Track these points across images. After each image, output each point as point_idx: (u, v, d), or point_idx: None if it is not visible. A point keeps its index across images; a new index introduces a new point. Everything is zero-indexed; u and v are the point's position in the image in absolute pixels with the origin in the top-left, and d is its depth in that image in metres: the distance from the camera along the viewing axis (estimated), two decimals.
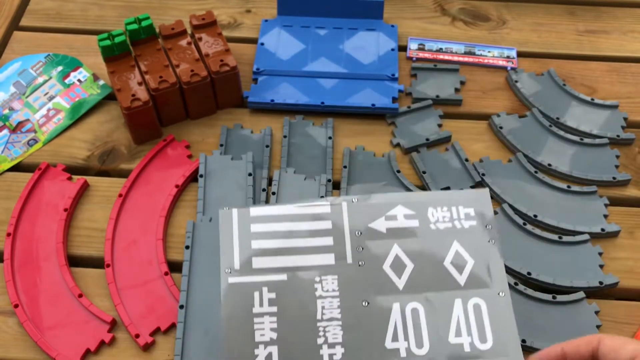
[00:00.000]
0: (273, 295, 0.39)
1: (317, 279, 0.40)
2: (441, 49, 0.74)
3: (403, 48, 0.74)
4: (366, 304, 0.40)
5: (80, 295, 0.54)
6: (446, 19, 0.78)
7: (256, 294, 0.39)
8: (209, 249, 0.56)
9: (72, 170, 0.63)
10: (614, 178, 0.62)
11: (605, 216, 0.60)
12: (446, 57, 0.73)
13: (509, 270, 0.56)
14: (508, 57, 0.73)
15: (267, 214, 0.41)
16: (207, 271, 0.54)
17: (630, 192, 0.62)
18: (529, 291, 0.54)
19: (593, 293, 0.55)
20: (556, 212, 0.59)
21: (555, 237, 0.57)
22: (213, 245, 0.56)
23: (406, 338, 0.39)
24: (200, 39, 0.66)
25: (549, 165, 0.63)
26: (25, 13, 0.78)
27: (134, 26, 0.64)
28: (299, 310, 0.39)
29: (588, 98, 0.69)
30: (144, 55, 0.64)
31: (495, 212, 0.59)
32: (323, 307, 0.39)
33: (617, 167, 0.63)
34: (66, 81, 0.70)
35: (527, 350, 0.51)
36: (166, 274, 0.55)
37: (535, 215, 0.59)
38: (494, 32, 0.76)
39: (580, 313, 0.53)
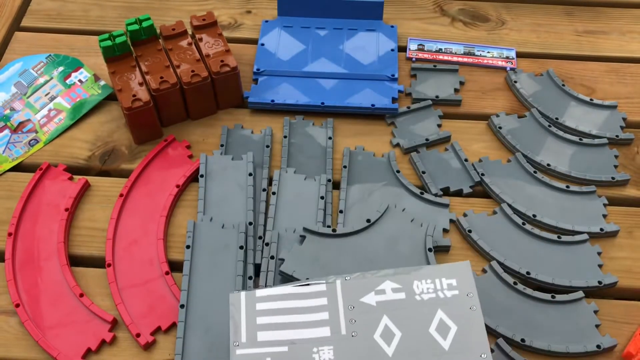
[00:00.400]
0: None
1: (315, 349, 0.44)
2: (441, 49, 0.74)
3: (403, 48, 0.74)
4: None
5: (81, 295, 0.54)
6: (445, 20, 0.78)
7: None
8: (209, 249, 0.56)
9: (73, 170, 0.64)
10: (612, 178, 0.62)
11: (604, 216, 0.60)
12: (445, 58, 0.73)
13: (508, 270, 0.56)
14: (507, 57, 0.73)
15: (270, 294, 0.46)
16: (208, 271, 0.55)
17: (629, 192, 0.62)
18: (528, 290, 0.54)
19: (592, 292, 0.55)
20: (555, 212, 0.60)
21: (554, 236, 0.58)
22: (214, 245, 0.56)
23: None
24: (200, 39, 0.66)
25: (548, 165, 0.63)
26: (27, 13, 0.78)
27: (135, 27, 0.64)
28: None
29: (587, 98, 0.69)
30: (145, 56, 0.65)
31: (495, 212, 0.60)
32: None
33: (616, 167, 0.63)
34: (67, 81, 0.70)
35: (526, 349, 0.52)
36: (167, 273, 0.55)
37: (534, 215, 0.59)
38: (493, 32, 0.76)
39: (579, 312, 0.53)
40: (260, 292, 0.46)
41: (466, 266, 0.47)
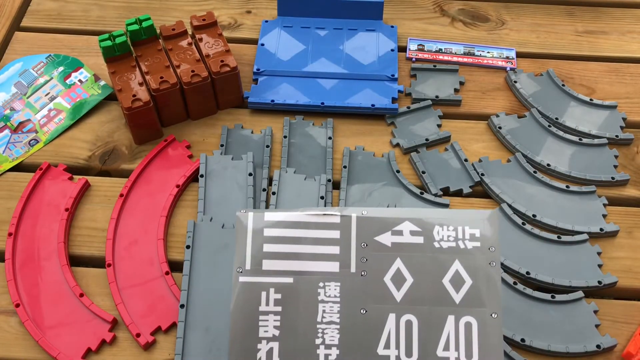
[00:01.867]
0: (279, 296, 0.42)
1: (321, 284, 0.42)
2: (440, 49, 0.74)
3: (403, 49, 0.74)
4: (364, 311, 0.42)
5: (81, 295, 0.54)
6: (445, 20, 0.78)
7: (263, 294, 0.42)
8: (209, 249, 0.56)
9: (73, 170, 0.64)
10: (612, 178, 0.62)
11: (604, 216, 0.60)
12: (445, 58, 0.73)
13: (508, 270, 0.56)
14: (507, 57, 0.73)
15: (280, 219, 0.43)
16: (208, 271, 0.55)
17: (628, 192, 0.62)
18: (528, 290, 0.54)
19: (592, 292, 0.56)
20: (555, 212, 0.60)
21: (554, 236, 0.58)
22: (214, 245, 0.56)
23: (397, 347, 0.42)
24: (200, 39, 0.66)
25: (548, 165, 0.63)
26: (27, 14, 0.78)
27: (135, 27, 0.64)
28: (301, 311, 0.42)
29: (587, 98, 0.69)
30: (145, 56, 0.65)
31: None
32: (324, 311, 0.42)
33: (615, 167, 0.63)
34: (67, 81, 0.70)
35: (526, 349, 0.52)
36: (167, 273, 0.55)
37: (534, 215, 0.59)
38: (493, 32, 0.76)
39: (579, 312, 0.53)
40: (269, 216, 0.43)
41: (493, 216, 0.44)
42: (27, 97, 0.69)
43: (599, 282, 0.55)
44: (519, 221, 0.59)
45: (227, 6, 0.79)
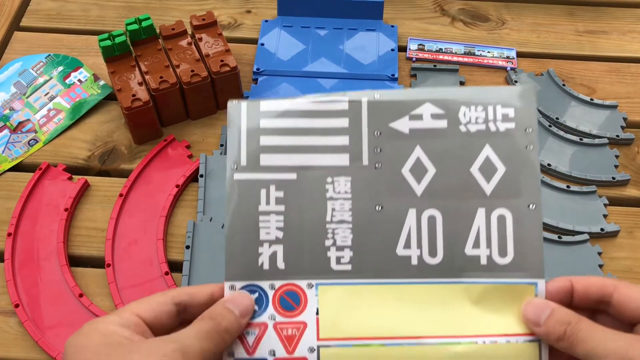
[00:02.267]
0: (281, 194, 0.37)
1: (329, 179, 0.37)
2: (441, 49, 0.74)
3: (403, 48, 0.74)
4: (380, 208, 0.37)
5: (80, 295, 0.54)
6: (446, 20, 0.78)
7: (263, 192, 0.37)
8: (209, 249, 0.56)
9: (73, 170, 0.63)
10: (613, 178, 0.62)
11: (605, 216, 0.60)
12: (446, 58, 0.73)
13: None
14: (507, 57, 0.73)
15: (278, 109, 0.37)
16: (208, 271, 0.54)
17: (629, 192, 0.62)
18: None
19: None
20: (555, 212, 0.60)
21: (554, 237, 0.58)
22: (213, 245, 0.56)
23: (419, 246, 0.36)
24: (200, 39, 0.66)
25: (549, 165, 0.63)
26: (26, 13, 0.78)
27: (135, 26, 0.64)
28: (307, 210, 0.37)
29: (587, 98, 0.69)
30: (145, 56, 0.64)
31: None
32: (333, 209, 0.37)
33: (616, 167, 0.63)
34: (67, 81, 0.70)
35: None
36: (166, 273, 0.55)
37: None
38: (494, 32, 0.76)
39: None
40: (265, 105, 0.37)
41: (531, 92, 0.37)
42: (27, 97, 0.69)
43: None
44: None
45: (226, 6, 0.79)
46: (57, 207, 0.60)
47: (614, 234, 0.59)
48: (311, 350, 0.35)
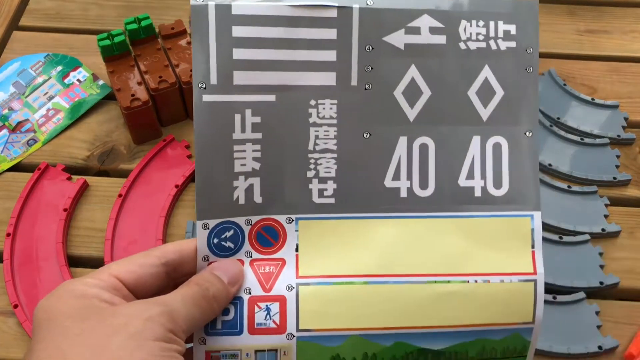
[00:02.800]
0: (258, 119, 0.32)
1: (313, 102, 0.33)
2: None
3: None
4: (368, 135, 0.34)
5: None
6: None
7: (237, 117, 0.32)
8: None
9: (72, 170, 0.63)
10: (614, 178, 0.62)
11: (606, 216, 0.60)
12: None
13: None
14: None
15: (255, 13, 0.32)
16: None
17: (630, 192, 0.62)
18: None
19: (593, 293, 0.55)
20: (556, 212, 0.59)
21: (555, 237, 0.57)
22: None
23: (409, 177, 0.34)
24: None
25: (550, 165, 0.63)
26: (25, 13, 0.78)
27: (134, 26, 0.64)
28: (287, 138, 0.33)
29: (588, 98, 0.69)
30: (144, 55, 0.64)
31: None
32: (317, 137, 0.33)
33: (617, 167, 0.63)
34: (65, 81, 0.70)
35: None
36: None
37: None
38: None
39: (581, 313, 0.53)
40: (238, 7, 0.32)
41: (533, 7, 0.34)
42: (26, 97, 0.69)
43: (601, 283, 0.55)
44: None
45: None
46: (56, 207, 0.59)
47: (615, 235, 0.59)
48: (289, 288, 0.32)
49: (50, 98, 0.69)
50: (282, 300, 0.32)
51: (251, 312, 0.32)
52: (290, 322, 0.32)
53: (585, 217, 0.59)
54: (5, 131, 0.66)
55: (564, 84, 0.70)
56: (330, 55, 0.33)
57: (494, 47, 0.34)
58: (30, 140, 0.66)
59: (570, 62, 0.73)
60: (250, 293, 0.32)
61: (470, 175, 0.34)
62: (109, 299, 0.27)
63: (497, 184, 0.34)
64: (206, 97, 0.32)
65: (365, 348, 0.33)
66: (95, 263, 0.57)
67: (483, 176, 0.34)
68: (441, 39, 0.34)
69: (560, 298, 0.53)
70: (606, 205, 0.60)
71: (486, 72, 0.34)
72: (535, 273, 0.34)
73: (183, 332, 0.27)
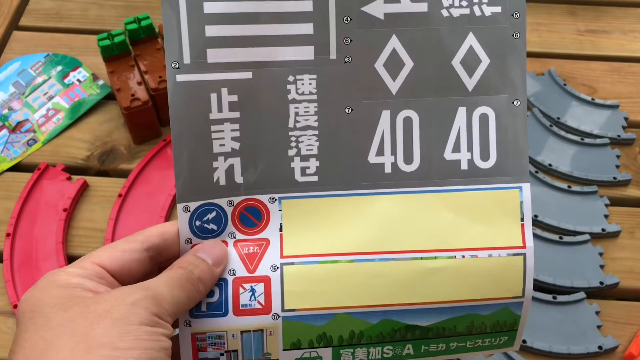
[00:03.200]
0: (235, 97, 0.31)
1: (291, 78, 0.32)
2: None
3: None
4: (349, 110, 0.33)
5: None
6: None
7: (213, 97, 0.31)
8: None
9: (72, 170, 0.63)
10: (614, 178, 0.62)
11: (606, 216, 0.59)
12: None
13: None
14: None
15: None
16: None
17: (630, 192, 0.62)
18: None
19: (593, 293, 0.55)
20: (557, 212, 0.59)
21: (555, 237, 0.57)
22: None
23: (393, 152, 0.33)
24: None
25: (550, 165, 0.63)
26: (25, 13, 0.78)
27: (134, 26, 0.64)
28: (267, 116, 0.32)
29: (589, 98, 0.69)
30: (144, 55, 0.64)
31: None
32: (297, 114, 0.32)
33: (617, 167, 0.63)
34: (65, 81, 0.70)
35: (527, 351, 0.51)
36: None
37: (535, 216, 0.59)
38: None
39: (581, 313, 0.53)
40: None
41: None
42: (26, 97, 0.69)
43: (601, 283, 0.55)
44: None
45: None
46: (56, 207, 0.59)
47: (615, 235, 0.59)
48: (274, 268, 0.32)
49: (50, 98, 0.69)
50: (266, 280, 0.32)
51: (236, 293, 0.31)
52: (275, 302, 0.32)
53: (586, 217, 0.59)
54: (5, 131, 0.66)
55: (564, 84, 0.70)
56: (307, 28, 0.32)
57: (478, 13, 0.33)
58: (30, 140, 0.66)
59: (570, 62, 0.73)
60: (234, 274, 0.32)
61: (457, 148, 0.33)
62: (92, 287, 0.27)
63: (485, 156, 0.33)
64: (180, 77, 0.31)
65: (351, 326, 0.32)
66: None
67: (470, 149, 0.33)
68: (422, 7, 0.32)
69: (560, 298, 0.53)
70: (606, 205, 0.60)
71: (471, 40, 0.33)
72: (524, 246, 0.33)
73: (169, 316, 0.27)
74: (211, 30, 0.31)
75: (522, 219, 0.33)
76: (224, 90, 0.31)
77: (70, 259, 0.57)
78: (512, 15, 0.33)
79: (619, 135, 0.65)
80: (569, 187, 0.61)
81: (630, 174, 0.62)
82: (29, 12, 0.78)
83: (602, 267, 0.56)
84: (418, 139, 0.33)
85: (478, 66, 0.33)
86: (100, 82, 0.70)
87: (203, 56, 0.31)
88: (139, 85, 0.62)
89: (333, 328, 0.32)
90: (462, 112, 0.33)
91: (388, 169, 0.33)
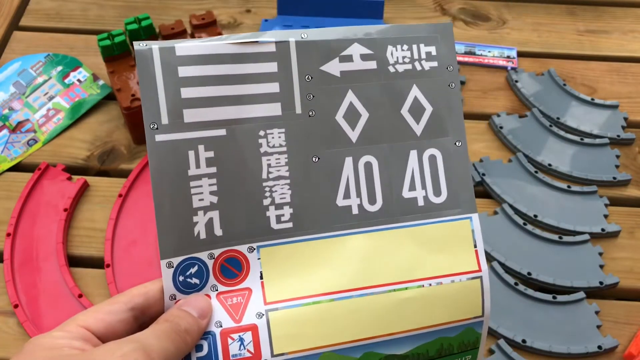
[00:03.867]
0: (211, 154, 0.34)
1: (262, 132, 0.34)
2: None
3: None
4: (316, 159, 0.36)
5: (80, 296, 0.54)
6: (446, 19, 0.77)
7: (191, 154, 0.33)
8: None
9: (72, 170, 0.63)
10: (614, 178, 0.62)
11: (606, 216, 0.60)
12: None
13: (510, 271, 0.56)
14: (508, 57, 0.73)
15: (198, 52, 0.34)
16: None
17: (630, 192, 0.62)
18: (529, 291, 0.54)
19: (593, 293, 0.55)
20: (556, 212, 0.59)
21: (555, 237, 0.57)
22: None
23: (358, 194, 0.36)
24: (200, 38, 0.66)
25: (549, 165, 0.63)
26: (25, 13, 0.78)
27: (134, 26, 0.64)
28: (242, 169, 0.34)
29: (588, 98, 0.69)
30: None
31: (496, 212, 0.59)
32: (269, 165, 0.35)
33: (617, 167, 0.63)
34: (66, 81, 0.70)
35: (527, 350, 0.51)
36: None
37: (535, 216, 0.59)
38: (494, 32, 0.76)
39: (581, 313, 0.53)
40: (181, 49, 0.33)
41: (447, 28, 0.38)
42: (26, 97, 0.69)
43: (601, 283, 0.55)
44: (520, 221, 0.58)
45: (226, 5, 0.79)
46: (56, 207, 0.59)
47: (614, 234, 0.59)
48: (259, 315, 0.33)
49: (51, 98, 0.69)
50: (253, 328, 0.33)
51: (225, 345, 0.32)
52: (264, 348, 0.33)
53: (585, 217, 0.59)
54: (5, 131, 0.66)
55: (564, 84, 0.70)
56: (274, 87, 0.35)
57: (419, 67, 0.37)
58: (31, 140, 0.66)
59: (570, 62, 0.73)
60: (221, 326, 0.33)
61: (413, 187, 0.37)
62: (80, 347, 0.27)
63: (437, 192, 0.37)
64: (159, 137, 0.33)
65: None
66: (95, 263, 0.57)
67: (423, 186, 0.37)
68: (372, 65, 0.36)
69: (560, 298, 0.53)
70: (606, 205, 0.60)
71: (415, 91, 0.37)
72: (480, 270, 0.36)
73: None
74: (186, 92, 0.33)
75: (475, 246, 0.36)
76: (201, 148, 0.33)
77: (71, 258, 0.57)
78: (447, 68, 0.37)
79: (618, 135, 0.65)
80: (569, 187, 0.61)
81: (629, 174, 0.62)
82: (30, 12, 0.78)
83: (601, 267, 0.56)
84: (379, 181, 0.36)
85: (423, 113, 0.37)
86: (101, 82, 0.70)
87: (180, 116, 0.33)
88: (139, 85, 0.62)
89: None
90: (413, 154, 0.37)
91: (355, 210, 0.36)
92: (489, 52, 0.73)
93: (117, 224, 0.58)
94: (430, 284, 0.35)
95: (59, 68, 0.71)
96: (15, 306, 0.53)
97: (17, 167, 0.64)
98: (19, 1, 0.79)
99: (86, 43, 0.74)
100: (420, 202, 0.36)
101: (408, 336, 0.35)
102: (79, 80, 0.70)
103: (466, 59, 0.72)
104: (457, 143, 0.37)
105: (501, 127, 0.66)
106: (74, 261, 0.57)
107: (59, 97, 0.69)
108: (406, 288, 0.35)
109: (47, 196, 0.60)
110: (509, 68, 0.72)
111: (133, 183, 0.61)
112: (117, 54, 0.64)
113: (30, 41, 0.75)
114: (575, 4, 0.79)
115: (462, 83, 0.71)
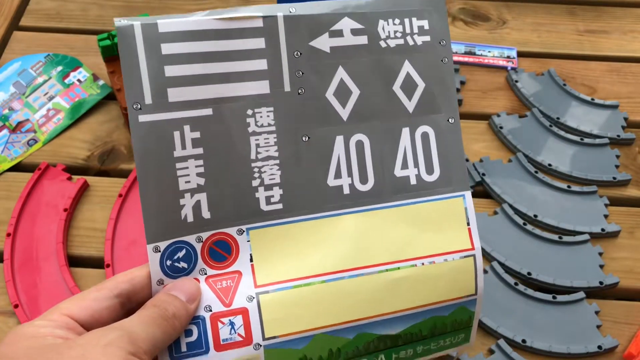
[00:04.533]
0: (197, 134, 0.32)
1: (250, 112, 0.33)
2: None
3: None
4: (306, 138, 0.35)
5: None
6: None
7: (176, 134, 0.32)
8: None
9: (72, 170, 0.63)
10: (614, 178, 0.62)
11: (606, 216, 0.60)
12: None
13: (509, 271, 0.56)
14: (508, 57, 0.73)
15: (182, 29, 0.33)
16: None
17: (630, 192, 0.62)
18: (529, 291, 0.54)
19: (593, 293, 0.55)
20: (556, 212, 0.59)
21: (555, 237, 0.57)
22: None
23: (350, 174, 0.35)
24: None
25: (549, 165, 0.63)
26: (25, 13, 0.78)
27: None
28: (229, 150, 0.33)
29: (588, 98, 0.69)
30: None
31: (495, 212, 0.59)
32: (257, 145, 0.34)
33: (617, 167, 0.63)
34: (66, 81, 0.70)
35: (527, 350, 0.51)
36: None
37: (535, 215, 0.59)
38: (494, 32, 0.76)
39: (580, 313, 0.53)
40: (165, 25, 0.32)
41: (440, 1, 0.37)
42: (26, 97, 0.69)
43: (601, 283, 0.55)
44: (520, 221, 0.58)
45: (226, 5, 0.79)
46: (56, 207, 0.60)
47: (614, 234, 0.59)
48: (250, 299, 0.33)
49: (51, 98, 0.69)
50: (244, 312, 0.32)
51: (215, 329, 0.32)
52: (255, 332, 0.32)
53: (585, 217, 0.59)
54: (5, 131, 0.66)
55: (564, 84, 0.70)
56: (262, 64, 0.33)
57: (411, 42, 0.36)
58: (31, 140, 0.66)
59: (570, 62, 0.73)
60: (210, 310, 0.32)
61: (405, 165, 0.36)
62: (63, 335, 0.26)
63: (429, 170, 0.36)
64: (142, 118, 0.32)
65: (329, 345, 0.34)
66: (95, 263, 0.57)
67: (416, 165, 0.36)
68: (363, 40, 0.35)
69: (560, 298, 0.53)
70: (606, 205, 0.60)
71: (407, 67, 0.36)
72: (473, 248, 0.36)
73: (146, 354, 0.27)
74: (170, 70, 0.32)
75: (468, 223, 0.36)
76: (187, 128, 0.32)
77: (71, 258, 0.57)
78: (440, 42, 0.37)
79: (618, 135, 0.65)
80: (569, 187, 0.61)
81: (629, 174, 0.62)
82: (30, 13, 0.78)
83: (601, 266, 0.56)
84: (370, 160, 0.36)
85: (415, 90, 0.36)
86: (101, 82, 0.70)
87: (164, 96, 0.32)
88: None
89: (312, 349, 0.33)
90: (406, 132, 0.36)
91: (347, 190, 0.35)
92: (489, 52, 0.73)
93: (117, 224, 0.58)
94: (422, 263, 0.35)
95: (59, 68, 0.71)
96: (16, 306, 0.53)
97: (17, 167, 0.64)
98: (19, 1, 0.79)
99: (86, 43, 0.74)
100: (413, 181, 0.36)
101: (401, 316, 0.35)
102: (79, 80, 0.70)
103: (466, 59, 0.72)
104: (449, 120, 0.37)
105: (501, 127, 0.66)
106: (74, 261, 0.57)
107: (59, 97, 0.69)
108: (398, 268, 0.35)
109: (47, 196, 0.60)
110: (509, 68, 0.72)
111: (133, 183, 0.61)
112: (117, 54, 0.64)
113: (30, 41, 0.75)
114: (575, 4, 0.79)
115: (462, 83, 0.71)
